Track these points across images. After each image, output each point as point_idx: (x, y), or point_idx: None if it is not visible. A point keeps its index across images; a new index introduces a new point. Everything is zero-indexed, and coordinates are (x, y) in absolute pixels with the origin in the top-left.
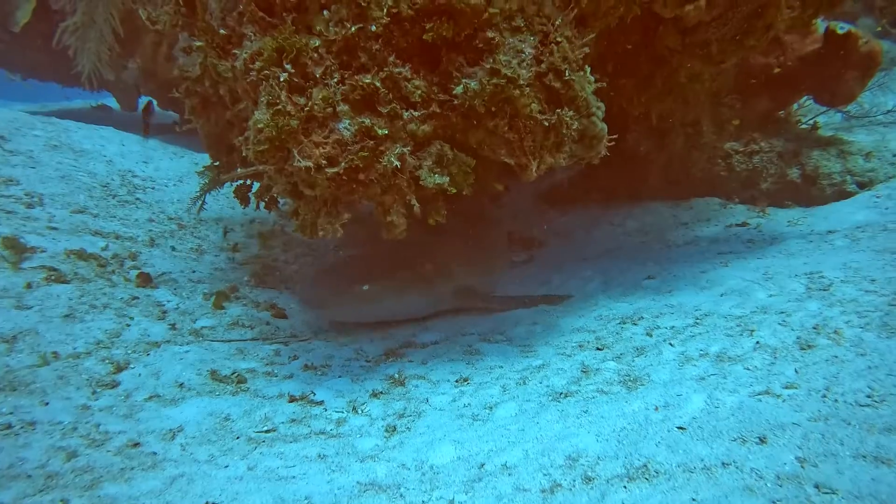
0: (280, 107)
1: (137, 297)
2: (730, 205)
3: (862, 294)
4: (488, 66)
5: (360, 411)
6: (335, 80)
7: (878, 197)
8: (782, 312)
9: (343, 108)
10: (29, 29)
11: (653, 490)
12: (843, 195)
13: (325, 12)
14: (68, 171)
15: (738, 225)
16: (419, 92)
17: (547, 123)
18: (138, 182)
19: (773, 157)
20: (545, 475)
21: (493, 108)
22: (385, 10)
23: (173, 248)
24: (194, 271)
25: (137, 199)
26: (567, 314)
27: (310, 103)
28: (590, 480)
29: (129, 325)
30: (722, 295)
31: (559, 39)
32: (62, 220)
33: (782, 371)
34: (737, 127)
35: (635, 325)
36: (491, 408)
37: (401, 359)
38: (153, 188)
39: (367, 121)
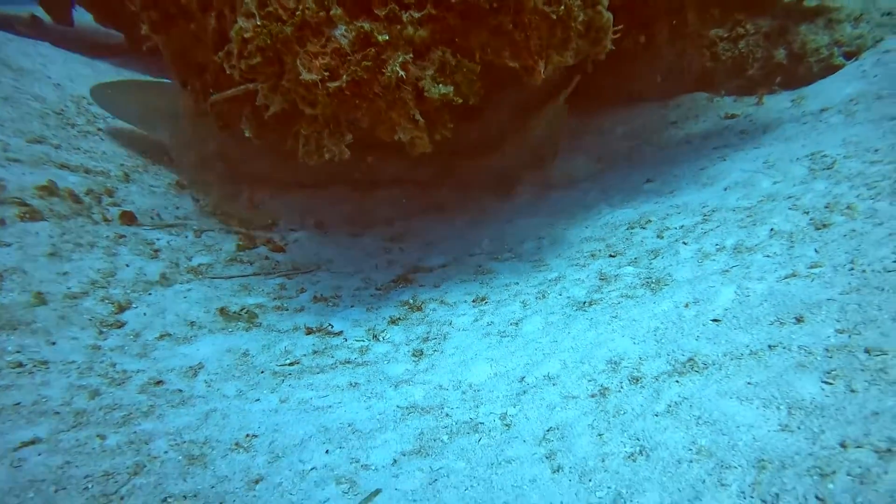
0: (271, 9)
1: (124, 236)
2: (716, 98)
3: (867, 166)
4: None
5: (381, 339)
6: None
7: (864, 67)
8: (790, 197)
9: (336, 10)
10: None
11: (706, 381)
12: (831, 69)
13: None
14: (10, 92)
15: (727, 117)
16: None
17: (554, 16)
18: (96, 110)
19: (759, 40)
20: (590, 381)
21: (495, 4)
22: None
23: (150, 184)
24: (178, 207)
25: (99, 129)
26: (572, 225)
27: (300, 7)
28: (637, 380)
29: (126, 265)
30: (726, 189)
31: None
32: (20, 151)
33: (803, 253)
34: (721, 10)
35: (644, 228)
36: (516, 323)
37: (411, 284)
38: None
39: (366, 25)
